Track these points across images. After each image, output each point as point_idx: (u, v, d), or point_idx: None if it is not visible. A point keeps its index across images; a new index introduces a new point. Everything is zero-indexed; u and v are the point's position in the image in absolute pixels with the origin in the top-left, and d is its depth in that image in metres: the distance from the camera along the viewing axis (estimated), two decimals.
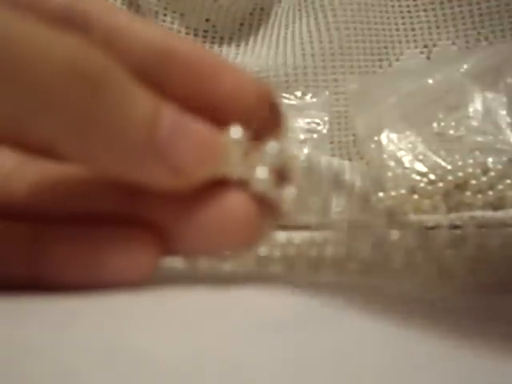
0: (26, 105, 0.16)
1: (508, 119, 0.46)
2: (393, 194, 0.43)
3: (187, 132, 0.18)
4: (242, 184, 0.18)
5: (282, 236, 0.21)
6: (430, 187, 0.43)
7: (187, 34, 0.62)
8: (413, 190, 0.43)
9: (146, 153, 0.17)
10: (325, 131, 0.52)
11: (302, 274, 0.21)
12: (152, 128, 0.17)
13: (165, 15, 0.62)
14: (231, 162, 0.18)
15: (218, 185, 0.18)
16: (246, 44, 0.61)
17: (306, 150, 0.49)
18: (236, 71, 0.19)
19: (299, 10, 0.60)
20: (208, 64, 0.19)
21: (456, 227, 0.38)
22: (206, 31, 0.62)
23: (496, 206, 0.43)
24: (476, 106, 0.47)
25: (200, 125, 0.18)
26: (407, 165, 0.45)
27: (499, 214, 0.42)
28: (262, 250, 0.21)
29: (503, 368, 0.13)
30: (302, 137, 0.49)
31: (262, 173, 0.18)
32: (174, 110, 0.18)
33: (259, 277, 0.21)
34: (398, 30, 0.58)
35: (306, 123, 0.51)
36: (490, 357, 0.14)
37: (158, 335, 0.15)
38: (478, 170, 0.44)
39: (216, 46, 0.61)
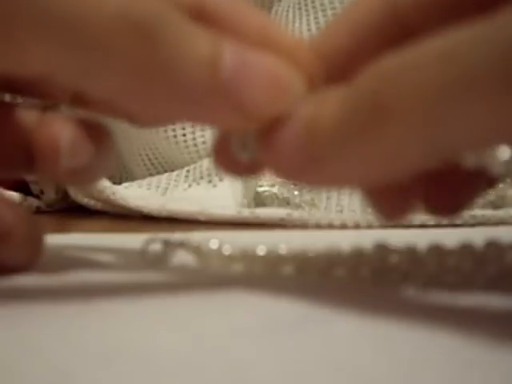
0: (85, 60, 0.16)
1: None
2: None
3: (252, 67, 0.17)
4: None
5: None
6: None
7: None
8: None
9: (211, 93, 0.16)
10: None
11: (308, 277, 0.21)
12: (214, 66, 0.16)
13: None
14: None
15: None
16: None
17: None
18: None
19: (299, 9, 0.60)
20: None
21: (456, 226, 0.38)
22: None
23: (496, 205, 0.43)
24: None
25: (265, 57, 0.17)
26: None
27: (500, 213, 0.42)
28: (262, 249, 0.21)
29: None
30: None
31: None
32: (236, 46, 0.17)
33: (260, 278, 0.21)
34: None
35: None
36: (487, 357, 0.14)
37: (158, 336, 0.15)
38: None
39: None
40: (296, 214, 0.44)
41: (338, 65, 0.19)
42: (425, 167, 0.16)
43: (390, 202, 0.18)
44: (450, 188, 0.18)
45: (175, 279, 0.21)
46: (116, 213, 0.49)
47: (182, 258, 0.23)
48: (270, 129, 0.17)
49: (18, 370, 0.13)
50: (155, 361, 0.13)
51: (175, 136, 0.58)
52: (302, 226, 0.43)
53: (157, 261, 0.23)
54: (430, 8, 0.18)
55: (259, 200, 0.48)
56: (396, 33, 0.19)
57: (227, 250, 0.22)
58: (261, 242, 0.22)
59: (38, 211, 0.56)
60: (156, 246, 0.23)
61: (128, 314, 0.17)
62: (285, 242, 0.21)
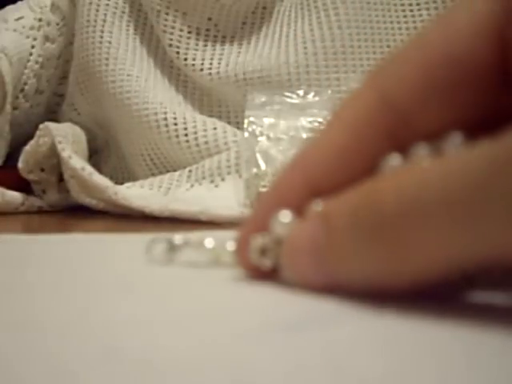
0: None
1: None
2: None
3: None
4: None
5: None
6: None
7: (189, 32, 0.61)
8: None
9: None
10: None
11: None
12: None
13: (167, 14, 0.62)
14: None
15: None
16: (248, 43, 0.61)
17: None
18: None
19: (301, 8, 0.60)
20: None
21: None
22: (208, 30, 0.62)
23: None
24: None
25: None
26: None
27: None
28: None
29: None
30: (304, 135, 0.49)
31: None
32: None
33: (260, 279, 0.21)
34: (400, 28, 0.58)
35: (308, 122, 0.51)
36: (488, 358, 0.14)
37: (158, 337, 0.15)
38: None
39: (218, 45, 0.61)
40: None
41: (341, 162, 0.20)
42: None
43: None
44: None
45: (176, 279, 0.21)
46: (118, 213, 0.49)
47: (185, 257, 0.23)
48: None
49: (18, 371, 0.13)
50: (156, 361, 0.13)
51: (177, 136, 0.58)
52: None
53: (162, 260, 0.23)
54: (427, 101, 0.19)
55: None
56: (394, 125, 0.19)
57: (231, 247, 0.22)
58: None
59: (40, 211, 0.56)
60: (160, 246, 0.23)
61: (128, 315, 0.17)
62: None
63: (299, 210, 0.19)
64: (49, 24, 0.66)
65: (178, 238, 0.23)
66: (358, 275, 0.17)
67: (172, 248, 0.23)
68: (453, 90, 0.18)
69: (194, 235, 0.24)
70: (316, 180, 0.20)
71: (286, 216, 0.20)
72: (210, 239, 0.23)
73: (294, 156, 0.20)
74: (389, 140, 0.19)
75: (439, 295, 0.18)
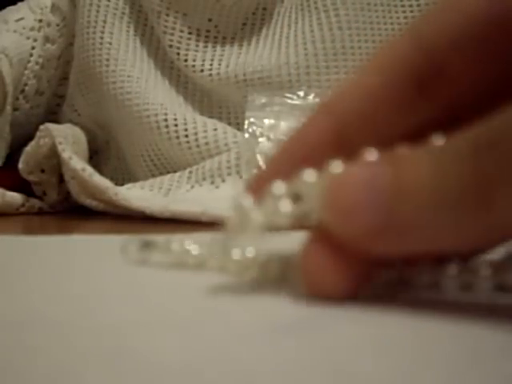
0: None
1: None
2: None
3: None
4: None
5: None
6: None
7: (189, 33, 0.62)
8: None
9: None
10: None
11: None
12: None
13: (167, 15, 0.62)
14: None
15: None
16: (249, 44, 0.61)
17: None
18: None
19: (302, 9, 0.60)
20: None
21: None
22: (208, 31, 0.62)
23: None
24: None
25: None
26: None
27: None
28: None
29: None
30: None
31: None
32: None
33: (260, 280, 0.21)
34: (400, 29, 0.58)
35: None
36: (489, 358, 0.14)
37: (159, 338, 0.15)
38: None
39: (218, 46, 0.61)
40: None
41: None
42: None
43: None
44: None
45: (175, 280, 0.21)
46: (118, 214, 0.49)
47: (161, 258, 0.23)
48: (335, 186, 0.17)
49: (18, 371, 0.13)
50: (155, 363, 0.13)
51: (178, 137, 0.58)
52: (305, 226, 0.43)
53: (136, 260, 0.23)
54: (464, 51, 0.18)
55: None
56: (427, 74, 0.18)
57: (196, 250, 0.22)
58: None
59: (41, 212, 0.56)
60: (134, 247, 0.23)
61: (128, 316, 0.17)
62: (287, 242, 0.21)
63: (324, 157, 0.18)
64: (49, 25, 0.66)
65: (152, 238, 0.23)
66: (432, 230, 0.16)
67: (146, 248, 0.23)
68: (491, 44, 0.18)
69: (171, 236, 0.24)
70: (345, 124, 0.18)
71: (310, 175, 0.17)
72: (189, 241, 0.23)
73: (320, 102, 0.19)
74: (419, 88, 0.18)
75: (440, 296, 0.18)
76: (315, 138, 0.19)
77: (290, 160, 0.19)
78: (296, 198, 0.18)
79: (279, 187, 0.18)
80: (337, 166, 0.17)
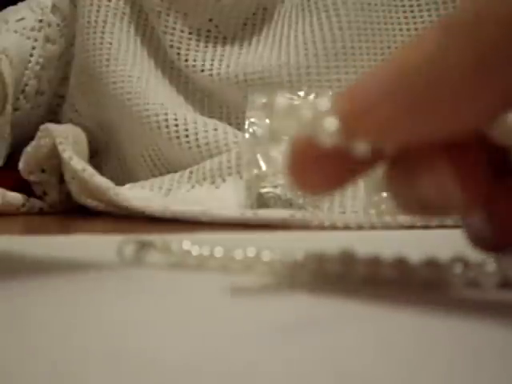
0: None
1: None
2: None
3: None
4: None
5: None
6: None
7: (190, 33, 0.62)
8: None
9: None
10: None
11: (304, 280, 0.21)
12: None
13: (167, 15, 0.62)
14: None
15: None
16: (249, 44, 0.61)
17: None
18: None
19: (302, 9, 0.60)
20: None
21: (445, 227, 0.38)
22: (208, 31, 0.62)
23: None
24: None
25: None
26: None
27: None
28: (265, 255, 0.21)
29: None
30: None
31: None
32: None
33: (261, 281, 0.21)
34: (401, 29, 0.58)
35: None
36: (489, 358, 0.14)
37: (159, 337, 0.15)
38: None
39: (219, 46, 0.61)
40: (299, 215, 0.44)
41: None
42: None
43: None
44: None
45: (175, 280, 0.21)
46: (119, 214, 0.49)
47: (156, 258, 0.23)
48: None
49: (18, 371, 0.13)
50: (155, 363, 0.13)
51: (178, 137, 0.58)
52: (305, 227, 0.43)
53: (132, 261, 0.23)
54: None
55: (262, 201, 0.48)
56: None
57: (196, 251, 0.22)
58: (263, 244, 0.22)
59: (41, 212, 0.56)
60: (131, 247, 0.23)
61: (128, 316, 0.17)
62: (288, 242, 0.21)
63: None
64: (49, 25, 0.66)
65: (148, 238, 0.23)
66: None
67: (142, 249, 0.23)
68: None
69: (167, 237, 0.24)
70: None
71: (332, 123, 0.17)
72: (187, 241, 0.23)
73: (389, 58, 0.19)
74: None
75: (441, 296, 0.18)
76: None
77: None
78: None
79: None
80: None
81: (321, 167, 0.18)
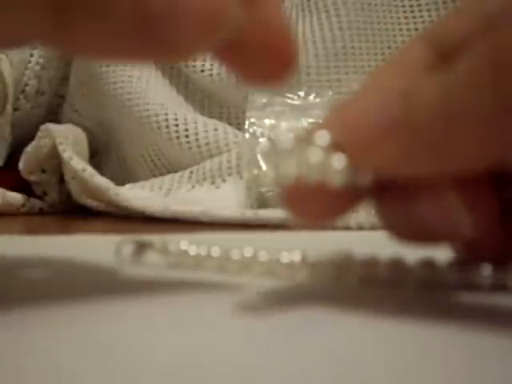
0: None
1: None
2: None
3: (183, 4, 0.15)
4: None
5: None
6: None
7: None
8: None
9: (136, 27, 0.15)
10: None
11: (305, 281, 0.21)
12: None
13: None
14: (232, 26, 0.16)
15: None
16: None
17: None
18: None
19: (302, 9, 0.60)
20: None
21: None
22: None
23: None
24: None
25: None
26: None
27: None
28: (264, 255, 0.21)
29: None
30: None
31: None
32: None
33: (259, 281, 0.21)
34: (401, 30, 0.58)
35: (309, 123, 0.51)
36: (489, 358, 0.14)
37: (157, 337, 0.15)
38: None
39: None
40: None
41: None
42: None
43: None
44: None
45: (175, 280, 0.21)
46: (119, 214, 0.49)
47: (154, 259, 0.23)
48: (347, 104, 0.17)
49: (18, 371, 0.13)
50: (154, 362, 0.13)
51: (178, 137, 0.58)
52: (305, 227, 0.43)
53: (130, 261, 0.23)
54: None
55: (262, 201, 0.48)
56: None
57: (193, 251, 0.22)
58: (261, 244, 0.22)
59: (41, 212, 0.56)
60: (128, 247, 0.23)
61: (128, 316, 0.17)
62: (287, 242, 0.21)
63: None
64: None
65: (146, 239, 0.23)
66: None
67: (140, 249, 0.23)
68: None
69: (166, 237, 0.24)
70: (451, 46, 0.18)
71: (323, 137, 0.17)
72: (185, 241, 0.23)
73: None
74: None
75: (437, 297, 0.18)
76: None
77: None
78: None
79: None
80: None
81: (320, 199, 0.17)
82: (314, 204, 0.17)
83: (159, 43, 0.16)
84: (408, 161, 0.16)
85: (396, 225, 0.18)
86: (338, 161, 0.17)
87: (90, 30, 0.16)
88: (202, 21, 0.16)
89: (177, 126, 0.58)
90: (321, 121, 0.18)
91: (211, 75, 0.60)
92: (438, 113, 0.16)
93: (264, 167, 0.47)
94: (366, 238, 0.33)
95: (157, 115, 0.58)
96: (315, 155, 0.17)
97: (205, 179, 0.54)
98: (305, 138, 0.17)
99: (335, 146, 0.17)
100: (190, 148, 0.57)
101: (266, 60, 0.17)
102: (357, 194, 0.17)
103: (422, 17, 0.59)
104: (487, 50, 0.15)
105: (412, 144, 0.16)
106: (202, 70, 0.60)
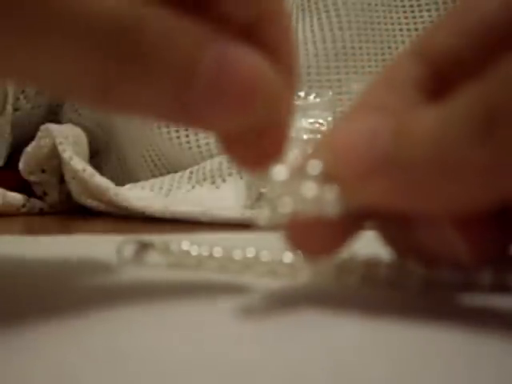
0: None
1: None
2: None
3: (232, 65, 0.16)
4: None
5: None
6: None
7: None
8: None
9: (190, 86, 0.16)
10: None
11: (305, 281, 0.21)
12: (193, 60, 0.16)
13: None
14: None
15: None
16: None
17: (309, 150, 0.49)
18: None
19: (302, 10, 0.60)
20: None
21: None
22: None
23: None
24: None
25: (248, 57, 0.16)
26: None
27: None
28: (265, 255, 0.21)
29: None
30: (305, 137, 0.49)
31: None
32: (223, 42, 0.16)
33: (261, 282, 0.21)
34: (401, 30, 0.58)
35: (309, 123, 0.51)
36: (489, 358, 0.14)
37: (158, 337, 0.15)
38: None
39: None
40: None
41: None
42: None
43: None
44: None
45: (176, 281, 0.21)
46: (119, 214, 0.49)
47: (157, 259, 0.23)
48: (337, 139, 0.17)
49: (18, 371, 0.13)
50: (155, 362, 0.13)
51: (178, 137, 0.58)
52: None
53: (131, 262, 0.23)
54: None
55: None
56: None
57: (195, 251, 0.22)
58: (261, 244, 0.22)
59: (41, 212, 0.56)
60: (130, 248, 0.23)
61: (129, 317, 0.17)
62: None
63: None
64: None
65: (148, 239, 0.23)
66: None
67: (142, 249, 0.23)
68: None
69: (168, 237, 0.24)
70: (441, 63, 0.18)
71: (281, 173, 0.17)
72: (186, 242, 0.23)
73: (414, 41, 0.19)
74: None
75: (439, 297, 0.18)
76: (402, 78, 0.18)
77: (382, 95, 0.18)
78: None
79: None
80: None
81: (319, 233, 0.17)
82: (315, 239, 0.17)
83: (195, 118, 0.16)
84: (400, 198, 0.16)
85: (397, 245, 0.18)
86: (331, 192, 0.17)
87: (134, 95, 0.16)
88: (240, 104, 0.16)
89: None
90: (314, 147, 0.18)
91: None
92: (431, 154, 0.15)
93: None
94: (367, 238, 0.33)
95: None
96: (310, 190, 0.17)
97: (205, 179, 0.54)
98: (298, 169, 0.17)
99: (328, 176, 0.17)
100: (190, 148, 0.57)
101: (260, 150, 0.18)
102: (355, 221, 0.17)
103: (421, 17, 0.59)
104: (482, 94, 0.15)
105: (403, 182, 0.16)
106: None
